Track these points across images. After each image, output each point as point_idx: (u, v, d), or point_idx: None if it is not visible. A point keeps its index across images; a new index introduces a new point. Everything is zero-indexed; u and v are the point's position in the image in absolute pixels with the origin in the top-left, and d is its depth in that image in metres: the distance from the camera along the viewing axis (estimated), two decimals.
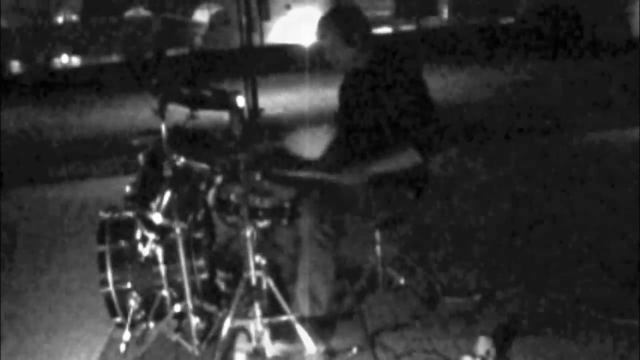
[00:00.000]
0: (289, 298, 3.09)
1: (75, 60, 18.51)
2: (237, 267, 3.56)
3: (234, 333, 3.05)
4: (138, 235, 3.23)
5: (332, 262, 3.09)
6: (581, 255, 3.95)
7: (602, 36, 13.51)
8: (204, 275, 3.32)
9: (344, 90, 3.50)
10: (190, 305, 3.09)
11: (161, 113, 2.89)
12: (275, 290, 3.01)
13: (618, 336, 3.04)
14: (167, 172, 2.91)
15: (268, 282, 3.01)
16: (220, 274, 3.59)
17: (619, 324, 3.13)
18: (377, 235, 3.47)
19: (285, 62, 13.40)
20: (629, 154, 6.21)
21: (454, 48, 13.80)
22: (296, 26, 17.04)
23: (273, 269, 3.19)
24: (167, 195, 2.96)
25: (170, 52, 17.65)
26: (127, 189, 3.12)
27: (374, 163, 3.14)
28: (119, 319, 3.29)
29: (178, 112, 3.09)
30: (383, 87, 3.17)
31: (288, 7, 19.72)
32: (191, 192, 3.03)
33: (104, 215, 3.39)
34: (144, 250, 3.20)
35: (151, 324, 3.28)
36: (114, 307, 3.26)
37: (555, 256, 3.97)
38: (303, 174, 3.15)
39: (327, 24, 3.23)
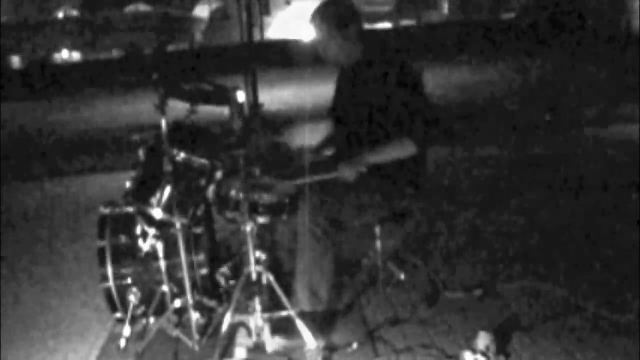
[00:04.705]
0: (289, 293, 3.09)
1: (75, 55, 18.51)
2: (237, 262, 3.57)
3: (234, 328, 3.05)
4: (138, 230, 3.22)
5: (330, 257, 3.09)
6: (581, 251, 3.95)
7: (602, 32, 13.51)
8: (204, 271, 3.32)
9: (339, 85, 3.49)
10: (190, 301, 3.09)
11: (161, 108, 2.89)
12: (275, 285, 3.01)
13: (618, 332, 3.04)
14: (167, 168, 2.91)
15: (268, 277, 3.01)
16: (220, 269, 3.59)
17: (618, 320, 3.13)
18: (377, 230, 3.47)
19: (285, 57, 13.41)
20: (629, 150, 6.21)
21: (454, 43, 13.80)
22: (296, 21, 17.05)
23: (273, 264, 3.19)
24: (167, 190, 2.96)
25: (171, 48, 17.64)
26: (127, 184, 3.12)
27: (370, 153, 3.14)
28: (119, 314, 3.29)
29: (178, 107, 3.09)
30: (377, 81, 3.16)
31: (288, 2, 19.72)
32: (191, 188, 3.03)
33: (104, 210, 3.38)
34: (144, 246, 3.19)
35: (151, 319, 3.28)
36: (114, 302, 3.26)
37: (555, 252, 3.97)
38: (301, 181, 3.13)
39: (321, 16, 3.22)
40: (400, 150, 3.14)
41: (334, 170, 3.11)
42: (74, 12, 19.75)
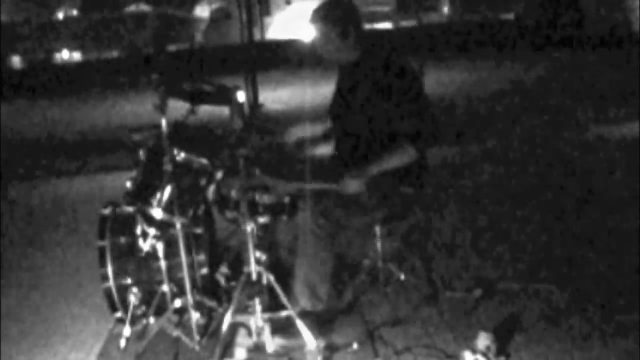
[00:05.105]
0: (289, 293, 3.09)
1: (76, 56, 18.50)
2: (237, 262, 3.57)
3: (234, 328, 3.06)
4: (138, 230, 3.22)
5: (330, 256, 3.09)
6: (582, 251, 3.94)
7: (602, 31, 13.50)
8: (204, 271, 3.32)
9: (339, 85, 3.49)
10: (190, 301, 3.09)
11: (162, 108, 2.89)
12: (275, 285, 3.01)
13: (618, 332, 3.04)
14: (168, 168, 2.91)
15: (268, 278, 3.01)
16: (221, 269, 3.60)
17: (619, 320, 3.13)
18: (378, 230, 3.46)
19: (285, 58, 13.40)
20: (629, 149, 6.21)
21: (454, 44, 13.79)
22: (296, 21, 17.02)
23: (273, 264, 3.19)
24: (168, 190, 2.96)
25: (171, 48, 17.63)
26: (128, 184, 3.12)
27: (372, 166, 3.12)
28: (119, 314, 3.29)
29: (178, 107, 3.09)
30: (377, 83, 3.16)
31: (288, 2, 19.71)
32: (191, 188, 3.03)
33: (105, 210, 3.38)
34: (145, 246, 3.19)
35: (151, 319, 3.28)
36: (114, 302, 3.26)
37: (556, 252, 3.97)
38: (301, 185, 3.13)
39: (321, 16, 3.21)
40: (402, 157, 3.13)
41: (336, 181, 3.10)
42: (74, 12, 19.75)
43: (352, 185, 3.09)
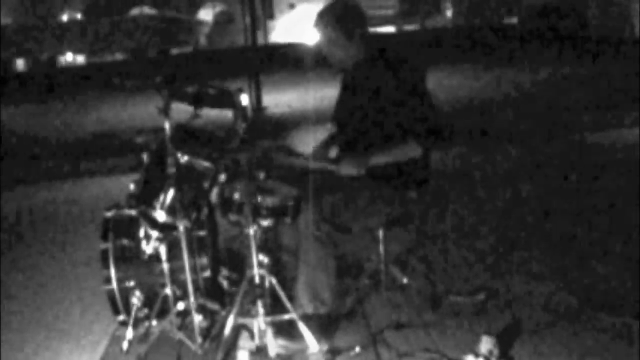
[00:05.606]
0: (291, 296, 3.09)
1: (80, 59, 18.56)
2: (240, 265, 3.57)
3: (236, 331, 3.05)
4: (141, 233, 3.22)
5: (332, 260, 3.09)
6: (583, 254, 3.94)
7: (604, 36, 13.51)
8: (207, 273, 3.32)
9: (342, 88, 3.49)
10: (193, 303, 3.09)
11: (165, 111, 2.90)
12: (278, 288, 3.01)
13: (620, 336, 3.03)
14: (171, 170, 2.92)
15: (271, 281, 3.01)
16: (223, 272, 3.60)
17: (621, 324, 3.12)
18: (380, 234, 3.46)
19: (289, 61, 13.43)
20: (630, 154, 6.20)
21: (457, 47, 13.81)
22: (300, 24, 17.07)
23: (276, 268, 3.19)
24: (171, 193, 2.96)
25: (174, 51, 17.68)
26: (131, 187, 3.12)
27: (374, 154, 3.14)
28: (122, 317, 3.29)
29: (182, 111, 3.09)
30: (381, 83, 3.16)
31: (292, 5, 19.76)
32: (194, 190, 3.04)
33: (108, 213, 3.39)
34: (147, 248, 3.19)
35: (154, 322, 3.27)
36: (117, 304, 3.26)
37: (557, 255, 3.97)
38: (301, 162, 3.14)
39: (326, 17, 3.22)
40: (405, 151, 3.14)
41: (336, 164, 3.12)
42: (78, 16, 19.83)
43: (350, 168, 3.10)
